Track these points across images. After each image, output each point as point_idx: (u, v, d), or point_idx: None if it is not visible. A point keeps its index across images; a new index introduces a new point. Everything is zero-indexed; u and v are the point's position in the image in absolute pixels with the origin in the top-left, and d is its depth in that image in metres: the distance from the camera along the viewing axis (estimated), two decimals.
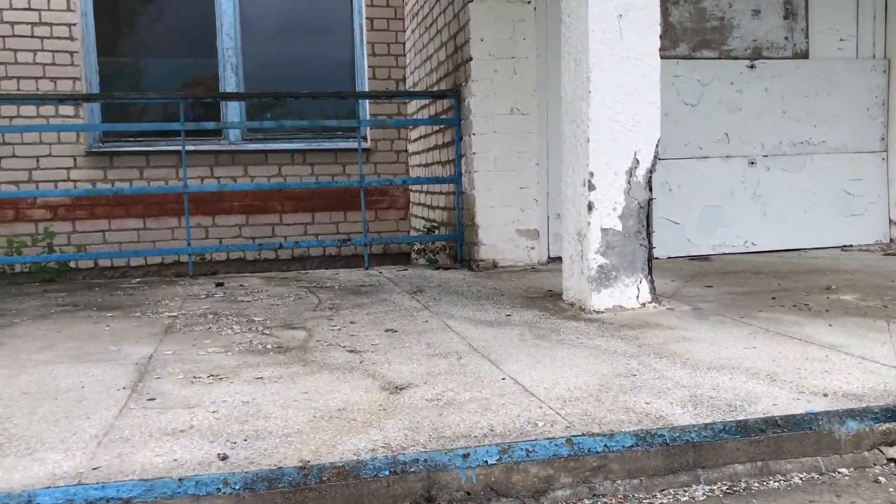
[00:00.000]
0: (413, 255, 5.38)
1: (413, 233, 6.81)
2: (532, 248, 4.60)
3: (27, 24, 6.00)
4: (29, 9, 5.99)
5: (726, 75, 4.90)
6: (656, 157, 3.12)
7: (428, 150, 5.84)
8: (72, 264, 6.09)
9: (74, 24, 6.09)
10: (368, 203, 6.75)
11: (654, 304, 3.13)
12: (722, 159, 4.94)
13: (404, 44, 6.73)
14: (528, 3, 4.50)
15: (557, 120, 4.69)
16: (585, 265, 3.08)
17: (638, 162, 3.08)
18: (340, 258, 6.78)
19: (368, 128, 6.77)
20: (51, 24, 6.04)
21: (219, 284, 4.12)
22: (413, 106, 6.38)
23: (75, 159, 6.17)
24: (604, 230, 3.06)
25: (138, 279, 4.39)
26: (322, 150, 6.66)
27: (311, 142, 6.70)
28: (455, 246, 4.88)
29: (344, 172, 6.72)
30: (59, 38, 6.07)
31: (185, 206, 4.83)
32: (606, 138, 3.04)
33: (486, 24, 4.46)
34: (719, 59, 4.89)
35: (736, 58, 4.93)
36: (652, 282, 3.15)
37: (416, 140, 6.33)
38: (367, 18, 6.68)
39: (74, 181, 6.17)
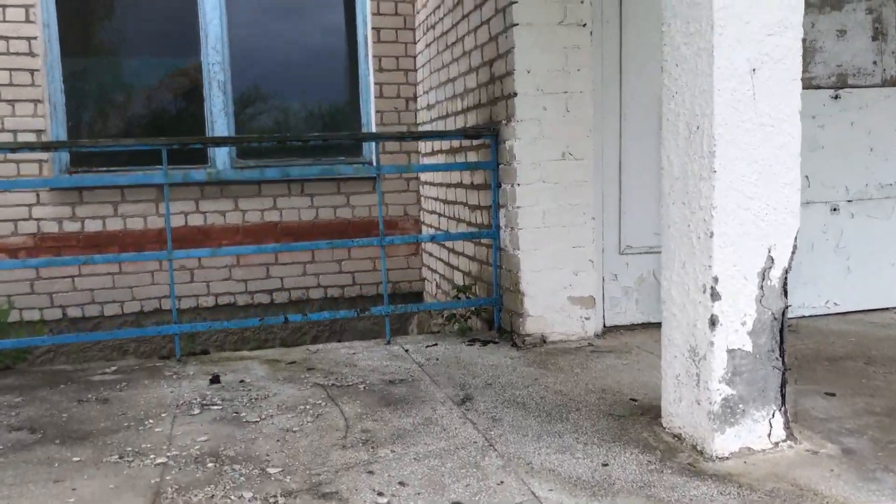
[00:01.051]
0: (441, 320, 4.62)
1: (426, 272, 6.05)
2: (587, 319, 3.87)
3: None
4: None
5: (808, 108, 4.10)
6: (794, 254, 2.39)
7: (448, 185, 5.08)
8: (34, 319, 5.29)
9: (35, 38, 5.22)
10: (372, 238, 5.99)
11: (789, 442, 2.42)
12: (801, 206, 4.21)
13: (415, 57, 5.93)
14: (584, 26, 3.74)
15: (615, 165, 3.97)
16: (705, 395, 2.35)
17: (773, 261, 2.36)
18: (344, 300, 6.01)
19: (375, 154, 5.98)
20: (7, 38, 5.17)
21: (214, 381, 3.34)
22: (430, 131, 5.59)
23: (38, 194, 5.33)
24: (730, 352, 2.33)
25: (114, 368, 3.59)
26: (322, 180, 5.87)
27: (308, 168, 5.90)
28: (491, 309, 4.13)
29: (348, 204, 5.93)
30: (16, 53, 5.20)
31: (168, 243, 4.02)
32: (735, 231, 2.30)
33: (533, 52, 3.69)
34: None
35: (818, 86, 4.21)
36: (786, 413, 2.43)
37: (429, 159, 5.55)
38: (373, 29, 5.87)
39: (38, 220, 5.34)
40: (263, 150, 5.93)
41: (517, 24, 3.67)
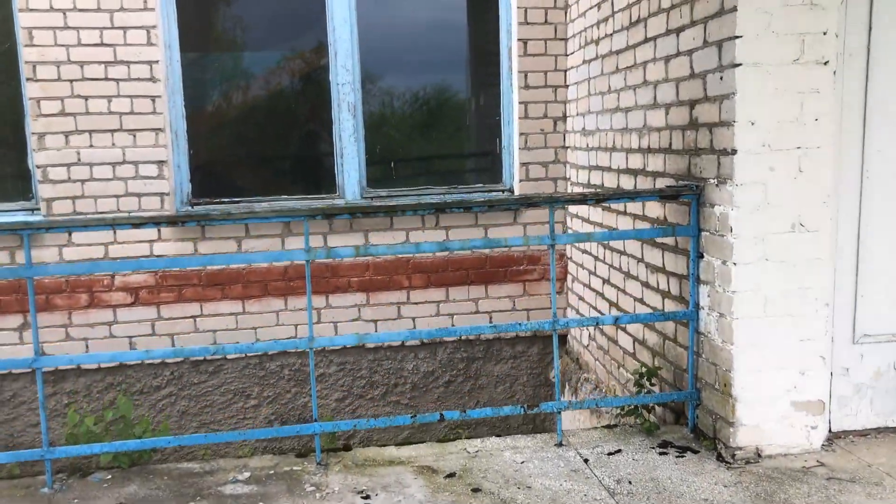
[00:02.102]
0: (619, 413, 3.92)
1: (572, 313, 5.38)
2: (813, 428, 3.11)
3: (99, 63, 4.75)
4: (102, 44, 4.73)
5: None
6: None
7: (611, 227, 4.37)
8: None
9: (157, 62, 4.81)
10: (511, 274, 5.36)
11: None
12: None
13: (566, 72, 5.20)
14: (825, 63, 2.93)
15: (852, 237, 3.16)
16: None
17: None
18: (479, 343, 5.42)
19: (517, 180, 5.32)
20: (128, 64, 4.78)
21: (365, 498, 2.80)
22: (582, 162, 4.86)
23: (159, 229, 4.96)
24: None
25: (247, 475, 3.11)
26: (458, 213, 5.25)
27: (442, 196, 5.30)
28: (685, 404, 3.43)
29: (485, 236, 5.31)
30: (138, 79, 4.80)
31: (307, 281, 3.49)
32: None
33: (760, 99, 2.92)
34: None
35: None
36: None
37: (579, 189, 4.83)
38: (518, 40, 5.16)
39: (159, 256, 4.98)
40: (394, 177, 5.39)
41: (740, 65, 2.90)
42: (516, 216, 5.32)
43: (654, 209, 3.72)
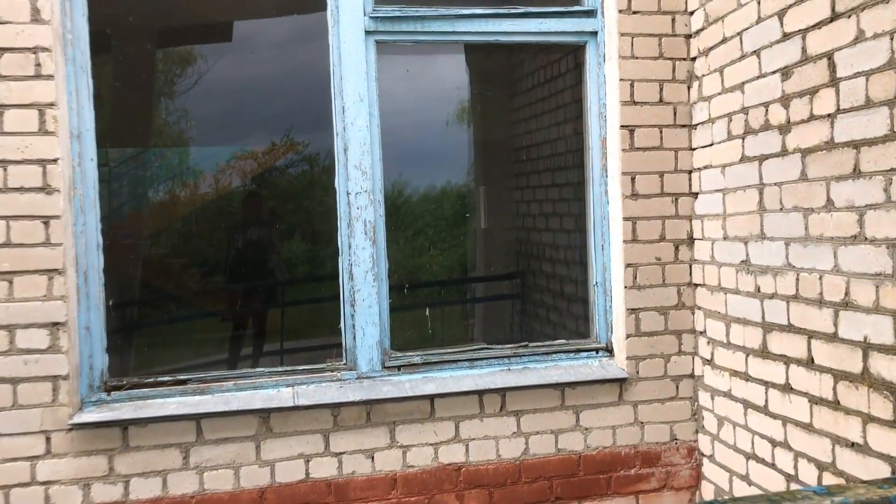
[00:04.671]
0: None
1: None
2: None
3: None
4: None
5: None
6: None
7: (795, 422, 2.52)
8: None
9: (54, 161, 2.92)
10: (618, 483, 3.44)
11: None
12: None
13: (689, 174, 3.47)
14: None
15: None
16: None
17: None
18: None
19: (619, 334, 3.47)
20: (3, 163, 2.88)
21: None
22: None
23: (47, 438, 2.94)
24: None
25: None
26: (534, 387, 3.36)
27: (507, 370, 3.43)
28: None
29: (577, 425, 3.41)
30: (20, 189, 2.90)
31: None
32: None
33: None
34: None
35: None
36: None
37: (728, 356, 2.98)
38: (622, 128, 3.43)
39: (44, 484, 2.94)
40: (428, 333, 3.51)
41: None
42: (623, 391, 3.45)
43: None
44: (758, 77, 2.92)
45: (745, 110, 3.02)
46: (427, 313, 3.64)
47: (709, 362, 3.37)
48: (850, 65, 2.42)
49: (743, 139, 3.04)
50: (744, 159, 3.04)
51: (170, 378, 3.19)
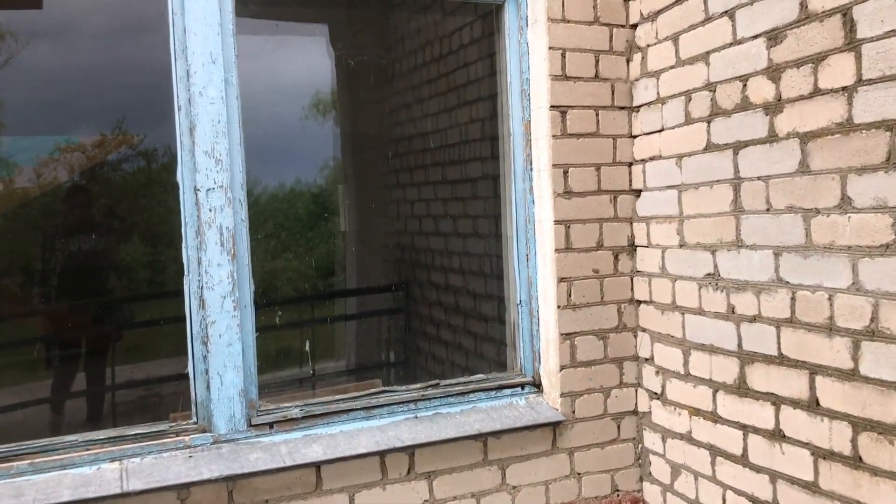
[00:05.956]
0: None
1: None
2: None
3: None
4: None
5: None
6: None
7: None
8: None
9: None
10: None
11: None
12: None
13: (630, 167, 2.85)
14: None
15: None
16: None
17: None
18: None
19: (550, 364, 2.79)
20: None
21: None
22: None
23: None
24: None
25: None
26: (450, 441, 2.61)
27: (415, 418, 2.67)
28: None
29: (503, 483, 2.69)
30: None
31: None
32: None
33: None
34: None
35: None
36: None
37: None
38: (553, 109, 2.74)
39: None
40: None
41: None
42: (556, 437, 2.77)
43: None
44: (731, 44, 2.32)
45: (710, 86, 2.42)
46: (307, 350, 2.78)
47: (658, 396, 2.77)
48: (880, 21, 1.85)
49: (708, 122, 2.44)
50: (710, 147, 2.44)
51: None
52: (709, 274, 2.48)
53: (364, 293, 4.73)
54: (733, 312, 2.37)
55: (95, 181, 6.43)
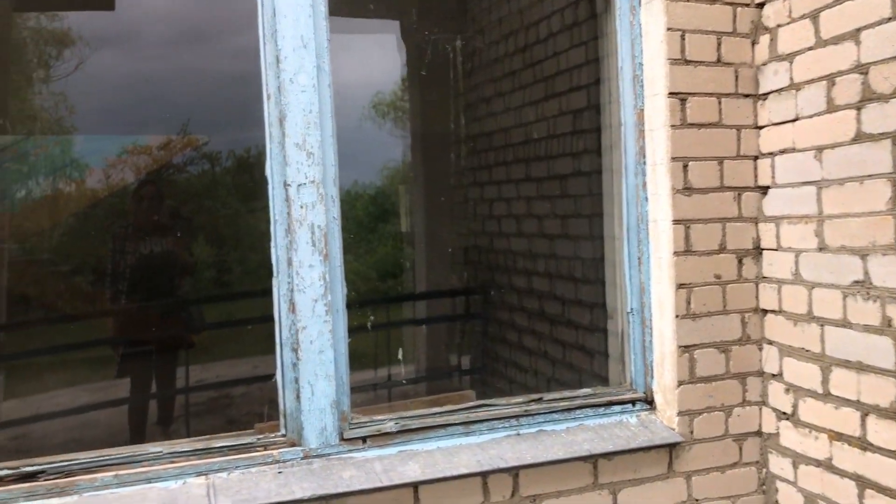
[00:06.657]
0: None
1: None
2: None
3: None
4: None
5: None
6: None
7: None
8: None
9: None
10: None
11: None
12: None
13: (755, 160, 2.56)
14: None
15: None
16: None
17: None
18: None
19: (666, 380, 2.53)
20: None
21: None
22: None
23: None
24: None
25: None
26: (557, 462, 2.37)
27: (517, 435, 2.43)
28: None
29: None
30: None
31: None
32: None
33: None
34: None
35: None
36: None
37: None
38: (671, 96, 2.47)
39: None
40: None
41: None
42: (673, 459, 2.50)
43: None
44: (890, 18, 2.03)
45: (862, 68, 2.13)
46: (399, 357, 2.58)
47: (787, 417, 2.48)
48: None
49: (858, 109, 2.15)
50: (861, 138, 2.14)
51: (10, 472, 2.02)
52: (857, 281, 2.18)
53: (443, 296, 4.53)
54: (889, 326, 2.08)
55: (162, 183, 6.42)
